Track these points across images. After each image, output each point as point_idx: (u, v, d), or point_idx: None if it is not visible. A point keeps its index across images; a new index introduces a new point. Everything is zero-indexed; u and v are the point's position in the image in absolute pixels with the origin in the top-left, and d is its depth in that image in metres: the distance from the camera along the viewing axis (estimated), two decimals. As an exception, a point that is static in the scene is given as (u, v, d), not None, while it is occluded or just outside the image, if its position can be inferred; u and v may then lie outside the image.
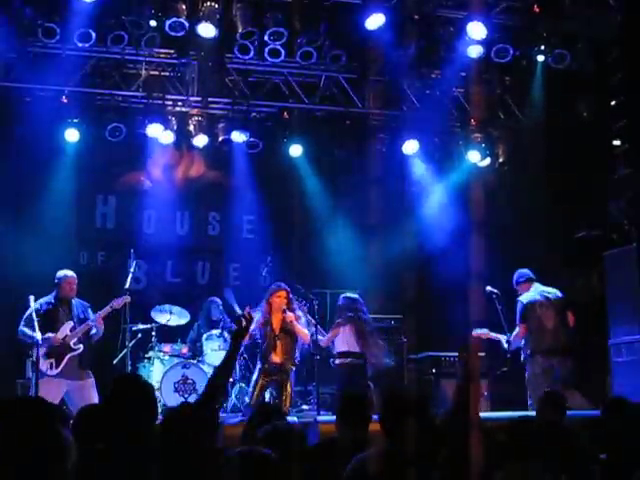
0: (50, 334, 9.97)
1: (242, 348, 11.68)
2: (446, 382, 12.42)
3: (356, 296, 11.68)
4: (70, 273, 10.36)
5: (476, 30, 12.01)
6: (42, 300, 10.18)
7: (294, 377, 10.91)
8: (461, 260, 12.58)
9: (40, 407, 3.70)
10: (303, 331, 10.76)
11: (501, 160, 14.03)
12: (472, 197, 13.75)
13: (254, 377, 10.79)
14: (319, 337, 11.10)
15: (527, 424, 4.78)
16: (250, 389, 10.84)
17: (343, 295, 11.77)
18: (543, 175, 13.64)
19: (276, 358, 10.56)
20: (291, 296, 10.70)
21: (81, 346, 10.12)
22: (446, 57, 12.67)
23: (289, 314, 10.56)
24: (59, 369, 9.99)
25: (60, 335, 10.03)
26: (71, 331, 10.11)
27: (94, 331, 10.27)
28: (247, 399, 11.00)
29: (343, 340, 11.46)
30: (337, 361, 11.55)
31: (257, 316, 10.62)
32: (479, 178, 13.95)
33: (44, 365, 9.92)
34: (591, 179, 13.29)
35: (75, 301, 10.34)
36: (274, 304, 10.56)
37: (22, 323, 9.94)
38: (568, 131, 13.27)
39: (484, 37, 12.11)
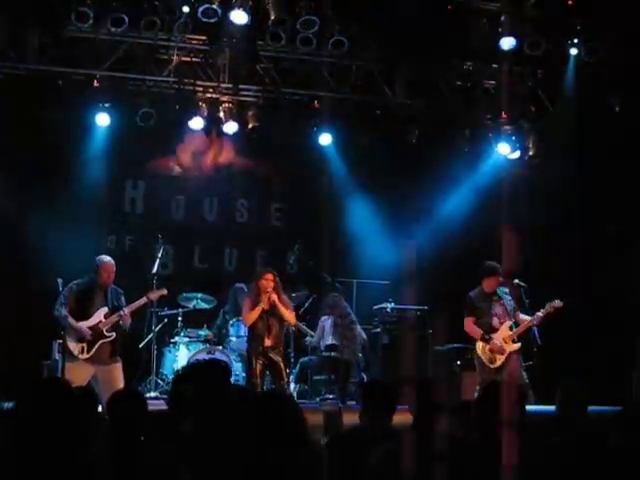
0: (82, 323, 9.95)
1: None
2: (471, 374, 12.35)
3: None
4: (108, 259, 10.14)
5: (509, 22, 11.97)
6: (81, 281, 10.07)
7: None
8: (489, 252, 12.58)
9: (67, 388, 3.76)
10: (287, 313, 10.75)
11: (531, 153, 13.93)
12: (501, 190, 13.73)
13: (250, 361, 10.68)
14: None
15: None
16: (248, 373, 10.73)
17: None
18: (573, 168, 13.57)
19: (268, 341, 10.55)
20: (278, 280, 10.69)
21: (114, 334, 10.00)
22: (478, 49, 12.61)
23: (273, 294, 10.55)
24: (90, 354, 9.93)
25: (92, 322, 9.99)
26: (105, 317, 10.03)
27: (121, 323, 10.20)
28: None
29: (328, 334, 12.18)
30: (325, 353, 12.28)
31: (245, 300, 10.66)
32: (509, 171, 13.91)
33: (75, 349, 9.86)
34: (622, 173, 13.22)
35: (110, 287, 10.20)
36: (262, 287, 10.55)
37: (58, 302, 9.87)
38: (599, 125, 13.19)
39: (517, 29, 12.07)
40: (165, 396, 9.09)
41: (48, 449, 3.53)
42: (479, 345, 11.06)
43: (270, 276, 10.60)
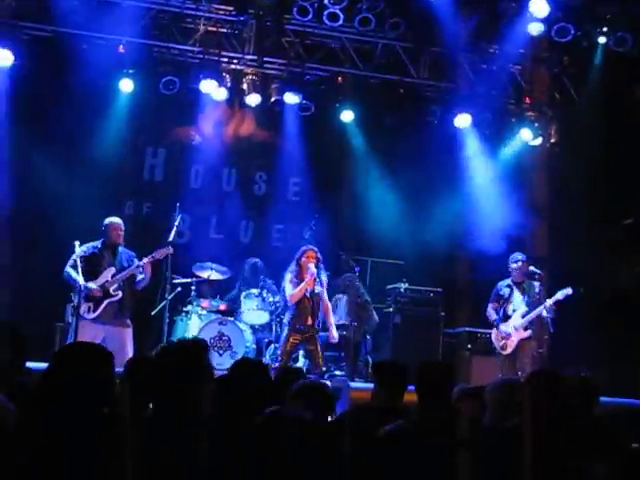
0: (91, 283, 10.03)
1: (279, 309, 11.79)
2: (480, 358, 12.37)
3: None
4: (116, 219, 10.41)
5: (538, 7, 11.91)
6: (89, 244, 10.25)
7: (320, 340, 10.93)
8: (505, 238, 12.57)
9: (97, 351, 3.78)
10: (327, 302, 10.87)
11: (553, 140, 13.90)
12: (521, 175, 13.69)
13: (283, 336, 10.68)
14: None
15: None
16: (279, 350, 10.79)
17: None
18: (594, 158, 13.49)
19: (310, 320, 10.54)
20: (319, 256, 10.68)
21: (120, 293, 10.17)
22: (506, 33, 12.58)
23: (317, 287, 10.55)
24: (97, 313, 10.07)
25: (100, 282, 10.10)
26: (112, 277, 10.18)
27: (141, 277, 10.30)
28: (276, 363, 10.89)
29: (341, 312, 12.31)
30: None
31: (288, 277, 10.63)
32: (529, 157, 13.86)
33: (82, 307, 9.99)
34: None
35: (122, 249, 10.36)
36: (304, 265, 10.54)
37: (68, 264, 10.03)
38: (624, 116, 13.10)
39: (546, 15, 12.00)
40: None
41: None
42: (493, 331, 11.15)
43: (312, 253, 10.61)
